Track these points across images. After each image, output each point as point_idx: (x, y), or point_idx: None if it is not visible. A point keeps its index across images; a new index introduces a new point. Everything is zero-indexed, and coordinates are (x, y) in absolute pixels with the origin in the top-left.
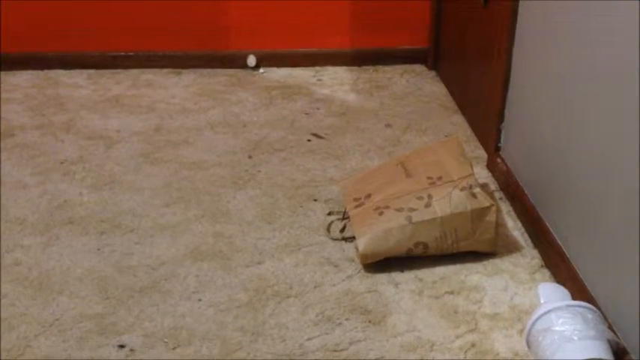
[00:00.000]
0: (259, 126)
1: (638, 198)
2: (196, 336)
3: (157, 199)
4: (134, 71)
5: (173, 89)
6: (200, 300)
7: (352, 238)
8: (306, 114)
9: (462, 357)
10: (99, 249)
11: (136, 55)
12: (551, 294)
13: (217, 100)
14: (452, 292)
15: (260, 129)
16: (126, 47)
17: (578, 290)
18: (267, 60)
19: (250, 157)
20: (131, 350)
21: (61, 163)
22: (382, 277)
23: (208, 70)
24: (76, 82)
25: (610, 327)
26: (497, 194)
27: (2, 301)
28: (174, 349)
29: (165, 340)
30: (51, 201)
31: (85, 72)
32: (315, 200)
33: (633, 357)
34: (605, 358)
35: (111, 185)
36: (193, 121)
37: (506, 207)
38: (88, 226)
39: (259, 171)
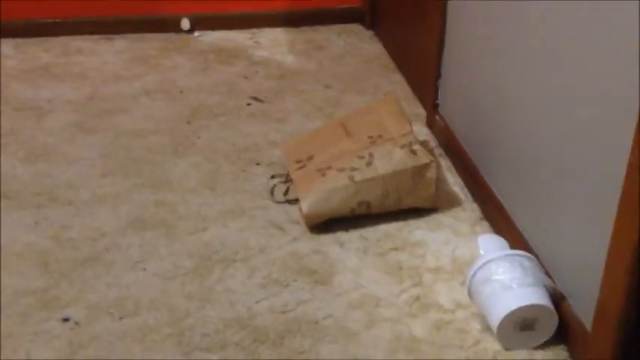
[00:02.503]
0: (197, 91)
1: (568, 149)
2: (143, 305)
3: (95, 169)
4: (63, 38)
5: (105, 56)
6: (145, 269)
7: (296, 201)
8: (245, 77)
9: (407, 311)
10: (36, 223)
11: (64, 21)
12: (490, 245)
13: (152, 65)
14: (396, 249)
15: (198, 94)
16: (53, 14)
17: (516, 240)
18: (201, 23)
19: (189, 123)
20: (76, 323)
21: None
22: (327, 238)
23: (141, 35)
24: (2, 52)
25: (547, 274)
26: (437, 151)
27: None
28: (120, 319)
29: (111, 311)
30: None
31: (12, 41)
32: (258, 164)
33: (570, 301)
34: (544, 304)
35: (45, 157)
36: (128, 88)
37: (445, 163)
38: (24, 201)
39: (199, 137)
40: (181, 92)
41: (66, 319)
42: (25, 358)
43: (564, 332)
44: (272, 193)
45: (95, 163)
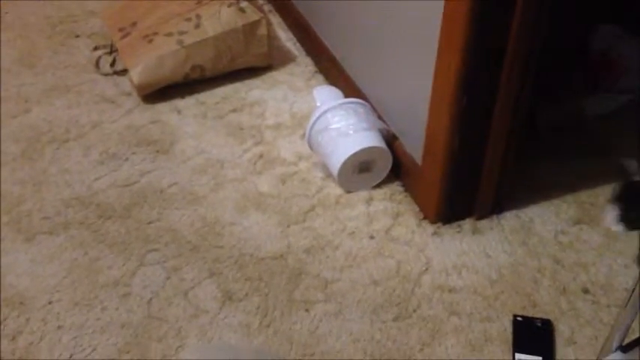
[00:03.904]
0: None
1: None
2: None
3: None
4: None
5: None
6: None
7: (125, 71)
8: None
9: (251, 169)
10: None
11: None
12: (325, 96)
13: None
14: (235, 110)
15: None
16: None
17: (350, 89)
18: None
19: None
20: None
21: None
22: (163, 106)
23: None
24: None
25: (380, 117)
26: (267, 7)
27: None
28: None
29: None
30: None
31: None
32: (78, 36)
33: (402, 140)
34: (378, 145)
35: None
36: None
37: (276, 19)
38: None
39: (7, 12)
40: None
41: None
42: None
43: (398, 169)
44: (97, 65)
45: None
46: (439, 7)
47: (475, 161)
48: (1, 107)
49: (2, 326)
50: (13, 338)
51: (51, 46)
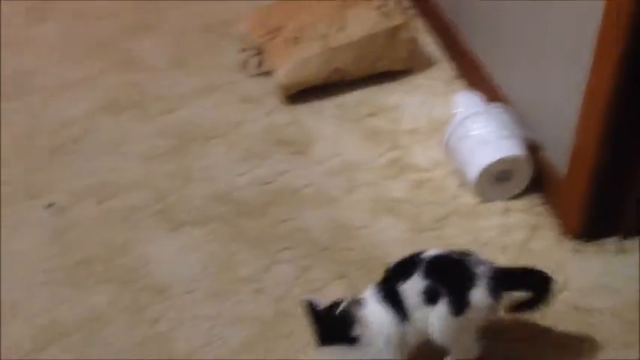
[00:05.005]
0: None
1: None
2: (126, 187)
3: (56, 55)
4: None
5: None
6: (124, 153)
7: (269, 73)
8: None
9: (385, 173)
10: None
11: None
12: (466, 102)
13: None
14: (372, 114)
15: None
16: None
17: (493, 94)
18: None
19: None
20: (61, 208)
21: None
22: (303, 108)
23: None
24: None
25: (523, 125)
26: (411, 11)
27: None
28: (100, 203)
29: (93, 194)
30: None
31: None
32: (226, 39)
33: (546, 150)
34: (519, 154)
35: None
36: None
37: (419, 22)
38: None
39: (164, 15)
40: None
41: (51, 205)
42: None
43: (539, 181)
44: (244, 66)
45: (55, 48)
46: (595, 9)
47: (625, 177)
48: (151, 105)
49: (143, 312)
50: (153, 324)
51: (202, 47)
